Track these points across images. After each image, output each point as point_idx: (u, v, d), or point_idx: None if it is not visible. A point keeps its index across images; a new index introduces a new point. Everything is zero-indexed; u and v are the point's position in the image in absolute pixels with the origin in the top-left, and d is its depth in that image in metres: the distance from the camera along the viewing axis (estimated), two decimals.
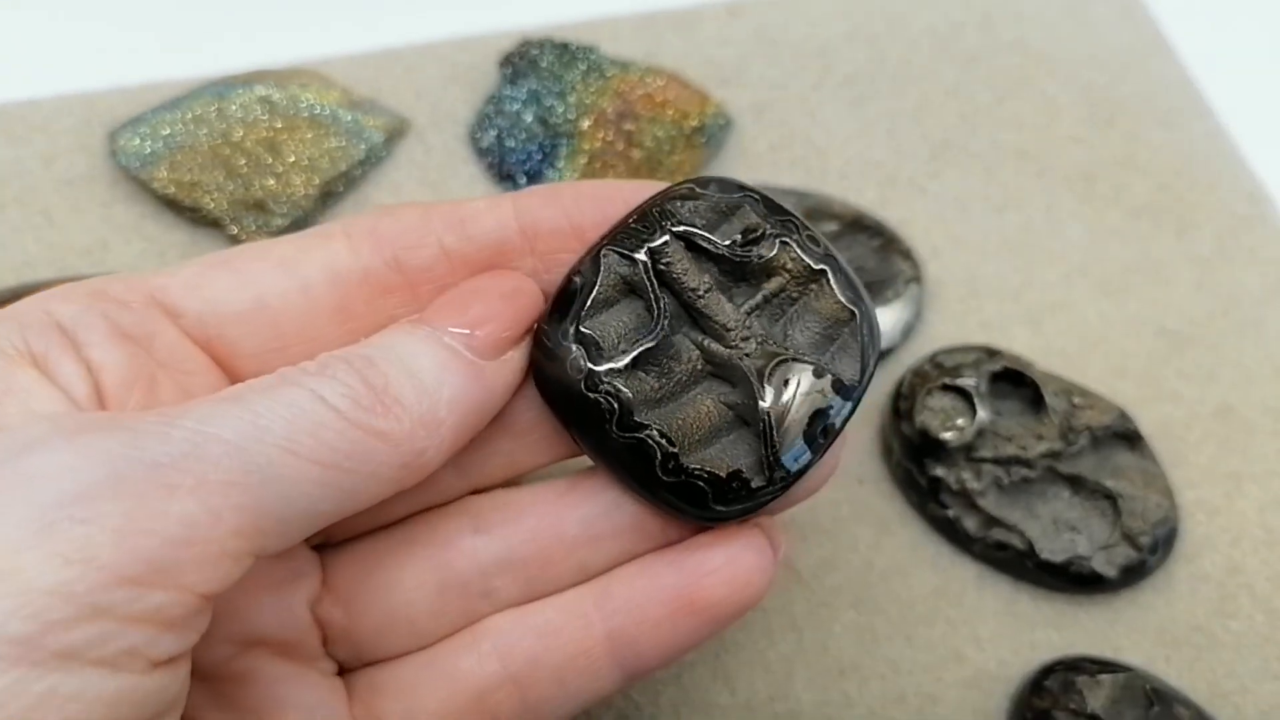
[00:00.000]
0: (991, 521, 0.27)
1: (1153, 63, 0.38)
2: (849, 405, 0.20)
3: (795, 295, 0.21)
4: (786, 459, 0.20)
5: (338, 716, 0.20)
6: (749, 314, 0.21)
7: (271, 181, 0.32)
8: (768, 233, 0.21)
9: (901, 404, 0.29)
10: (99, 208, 0.33)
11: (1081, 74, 0.37)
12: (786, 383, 0.20)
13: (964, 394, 0.28)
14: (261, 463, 0.16)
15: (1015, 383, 0.29)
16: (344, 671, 0.21)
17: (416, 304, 0.20)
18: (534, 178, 0.33)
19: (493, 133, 0.34)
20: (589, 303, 0.20)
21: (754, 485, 0.20)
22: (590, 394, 0.20)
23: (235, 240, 0.32)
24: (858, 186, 0.35)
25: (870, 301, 0.21)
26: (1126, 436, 0.29)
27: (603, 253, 0.20)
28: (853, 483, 0.29)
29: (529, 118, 0.34)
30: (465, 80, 0.36)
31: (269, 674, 0.20)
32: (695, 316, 0.21)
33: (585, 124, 0.34)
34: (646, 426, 0.20)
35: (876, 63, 0.37)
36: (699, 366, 0.21)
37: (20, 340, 0.17)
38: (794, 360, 0.20)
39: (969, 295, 0.33)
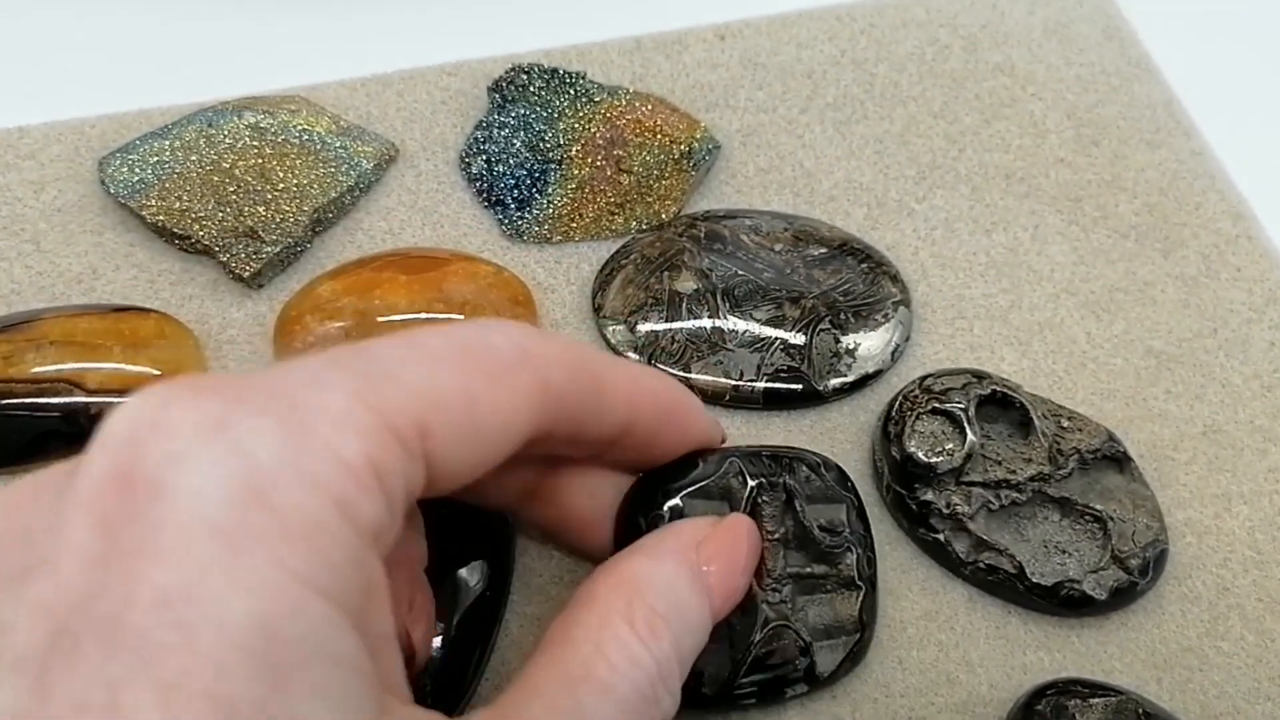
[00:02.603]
0: (982, 545, 0.28)
1: (1137, 84, 0.38)
2: (807, 687, 0.25)
3: (830, 589, 0.26)
4: (743, 684, 0.25)
5: None
6: (790, 576, 0.25)
7: (262, 209, 0.32)
8: (847, 537, 0.26)
9: (891, 428, 0.29)
10: (89, 235, 0.33)
11: (1067, 95, 0.38)
12: (777, 640, 0.25)
13: (953, 418, 0.28)
14: None
15: (1004, 405, 0.29)
16: None
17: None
18: (523, 204, 0.33)
19: (482, 159, 0.34)
20: (693, 482, 0.25)
21: (704, 691, 0.25)
22: (647, 533, 0.24)
23: (226, 267, 0.32)
24: (846, 209, 0.35)
25: (874, 623, 0.26)
26: (1115, 459, 0.29)
27: (731, 459, 0.25)
28: (859, 495, 0.29)
29: (518, 144, 0.34)
30: (455, 106, 0.36)
31: None
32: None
33: (574, 150, 0.34)
34: None
35: (864, 86, 0.38)
36: None
37: (373, 519, 0.17)
38: (795, 636, 0.25)
39: (957, 317, 0.33)
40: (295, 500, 0.15)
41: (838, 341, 0.31)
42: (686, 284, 0.31)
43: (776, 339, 0.31)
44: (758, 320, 0.31)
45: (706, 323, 0.31)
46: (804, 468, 0.27)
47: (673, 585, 0.21)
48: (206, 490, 0.15)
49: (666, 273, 0.32)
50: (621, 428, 0.22)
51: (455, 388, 0.18)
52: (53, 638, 0.15)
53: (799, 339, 0.31)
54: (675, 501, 0.25)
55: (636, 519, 0.26)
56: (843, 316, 0.31)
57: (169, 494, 0.15)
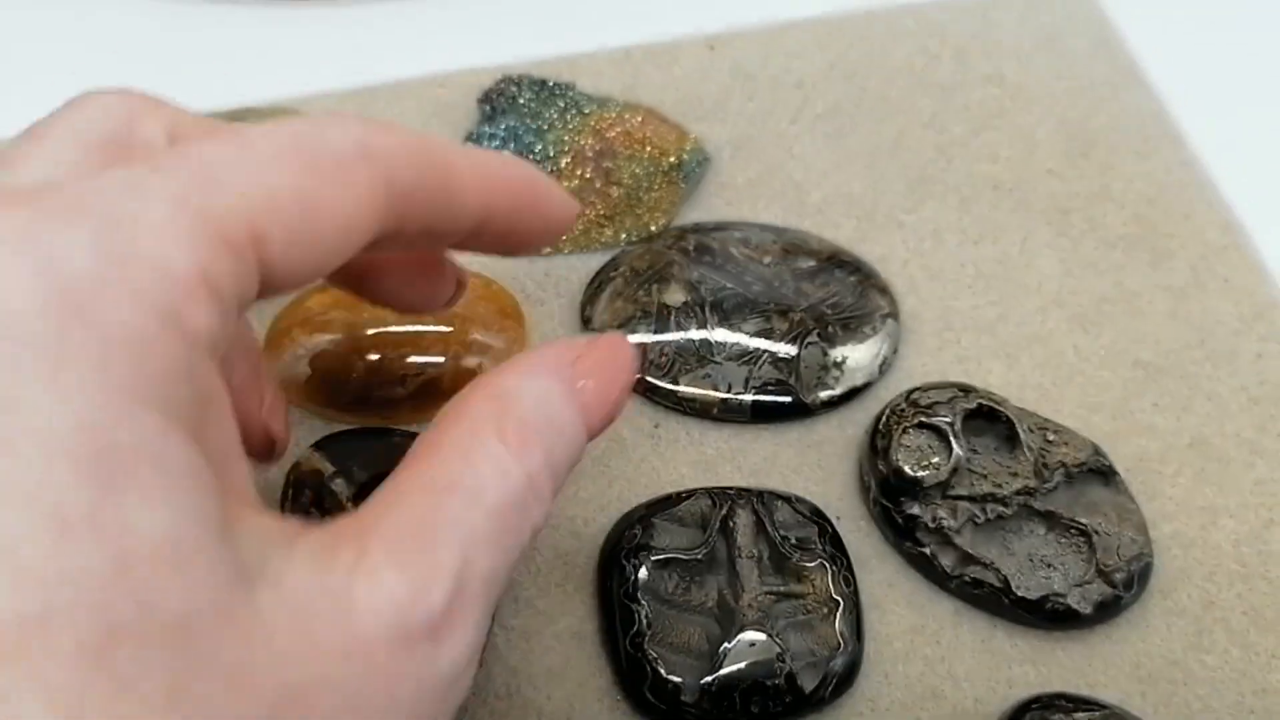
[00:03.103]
0: (967, 559, 0.28)
1: (1127, 94, 0.38)
2: (793, 704, 0.26)
3: (810, 608, 0.27)
4: (724, 700, 0.26)
5: None
6: (766, 593, 0.26)
7: None
8: (819, 553, 0.27)
9: (878, 441, 0.29)
10: None
11: (1056, 106, 0.38)
12: (757, 656, 0.26)
13: (939, 432, 0.29)
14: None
15: (990, 419, 0.29)
16: None
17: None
18: None
19: None
20: (671, 509, 0.28)
21: (684, 699, 0.25)
22: (624, 558, 0.27)
23: None
24: (835, 220, 0.35)
25: (857, 644, 0.27)
26: (1101, 472, 0.29)
27: (700, 492, 0.28)
28: (830, 520, 0.29)
29: (508, 155, 0.34)
30: (444, 117, 0.36)
31: None
32: (730, 568, 0.27)
33: (564, 161, 0.34)
34: (642, 606, 0.26)
35: (854, 96, 0.38)
36: (710, 603, 0.26)
37: (206, 330, 0.16)
38: (776, 653, 0.26)
39: (944, 329, 0.33)
40: (116, 314, 0.14)
41: (825, 354, 0.31)
42: (675, 296, 0.32)
43: (765, 352, 0.31)
44: (746, 333, 0.31)
45: (695, 335, 0.31)
46: (776, 499, 0.28)
47: (546, 398, 0.20)
48: (17, 306, 0.14)
49: (655, 285, 0.32)
50: (477, 221, 0.21)
51: (289, 188, 0.17)
52: None
53: (787, 352, 0.31)
54: (654, 519, 0.27)
55: (618, 558, 0.27)
56: (831, 329, 0.31)
57: None
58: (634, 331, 0.31)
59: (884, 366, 0.31)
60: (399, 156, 0.19)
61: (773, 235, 0.33)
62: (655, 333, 0.31)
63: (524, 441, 0.19)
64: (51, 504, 0.13)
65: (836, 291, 0.32)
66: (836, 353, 0.31)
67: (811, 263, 0.33)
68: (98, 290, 0.14)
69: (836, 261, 0.33)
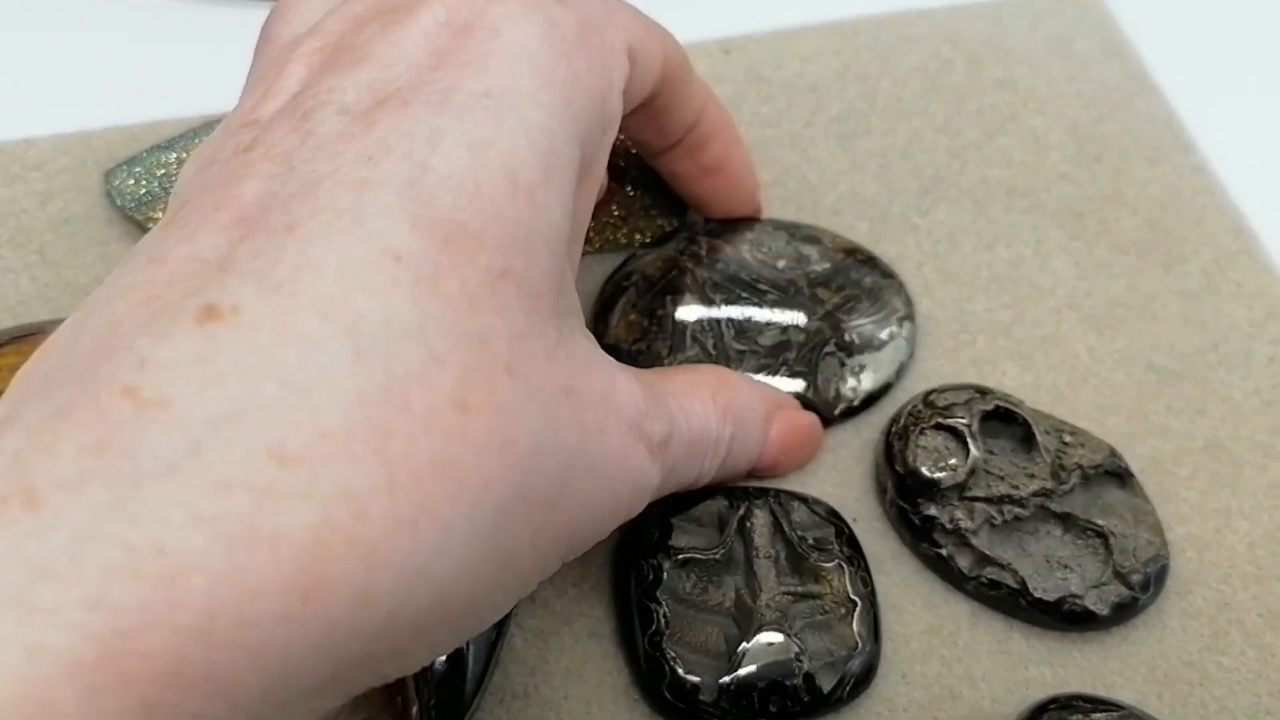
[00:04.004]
0: (984, 560, 0.28)
1: (1138, 99, 0.38)
2: (811, 704, 0.26)
3: (827, 608, 0.27)
4: (743, 700, 0.26)
5: None
6: (783, 593, 0.27)
7: None
8: (836, 553, 0.27)
9: (895, 443, 0.29)
10: (95, 247, 0.33)
11: (1069, 111, 0.38)
12: (775, 656, 0.26)
13: (956, 433, 0.29)
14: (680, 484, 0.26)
15: (1006, 421, 0.29)
16: None
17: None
18: None
19: None
20: (689, 510, 0.28)
21: (702, 698, 0.25)
22: (642, 558, 0.27)
23: None
24: (850, 223, 0.35)
25: (874, 644, 0.27)
26: (1117, 474, 0.29)
27: (717, 494, 0.28)
28: (847, 521, 0.29)
29: None
30: None
31: None
32: (747, 569, 0.27)
33: None
34: (661, 605, 0.26)
35: (867, 100, 0.38)
36: (728, 603, 0.26)
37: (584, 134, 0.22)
38: (796, 651, 0.26)
39: (960, 331, 0.33)
40: (586, 65, 0.21)
41: (843, 365, 0.31)
42: (689, 311, 0.31)
43: (782, 364, 0.31)
44: (763, 346, 0.31)
45: (710, 348, 0.31)
46: (793, 500, 0.28)
47: (750, 402, 0.27)
48: (530, 41, 0.20)
49: (669, 296, 0.31)
50: (689, 129, 0.29)
51: (639, 36, 0.24)
52: (380, 99, 0.18)
53: (804, 365, 0.31)
54: (672, 519, 0.28)
55: (634, 555, 0.27)
56: (848, 338, 0.31)
57: (502, 37, 0.20)
58: (650, 345, 0.31)
59: (900, 369, 0.31)
60: (667, 42, 0.26)
61: (785, 236, 0.33)
62: (671, 352, 0.31)
63: (726, 412, 0.26)
64: (513, 168, 0.18)
65: (852, 296, 0.32)
66: (854, 362, 0.31)
67: (826, 265, 0.32)
68: (578, 48, 0.21)
69: (852, 260, 0.33)
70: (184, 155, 0.33)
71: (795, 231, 0.33)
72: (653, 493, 0.23)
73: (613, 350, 0.31)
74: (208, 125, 0.34)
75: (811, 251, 0.33)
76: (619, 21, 0.23)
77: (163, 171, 0.33)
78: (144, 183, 0.33)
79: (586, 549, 0.21)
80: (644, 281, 0.32)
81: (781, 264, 0.32)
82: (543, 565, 0.20)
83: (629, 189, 0.34)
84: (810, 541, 0.27)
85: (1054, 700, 0.27)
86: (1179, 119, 0.38)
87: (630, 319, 0.31)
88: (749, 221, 0.34)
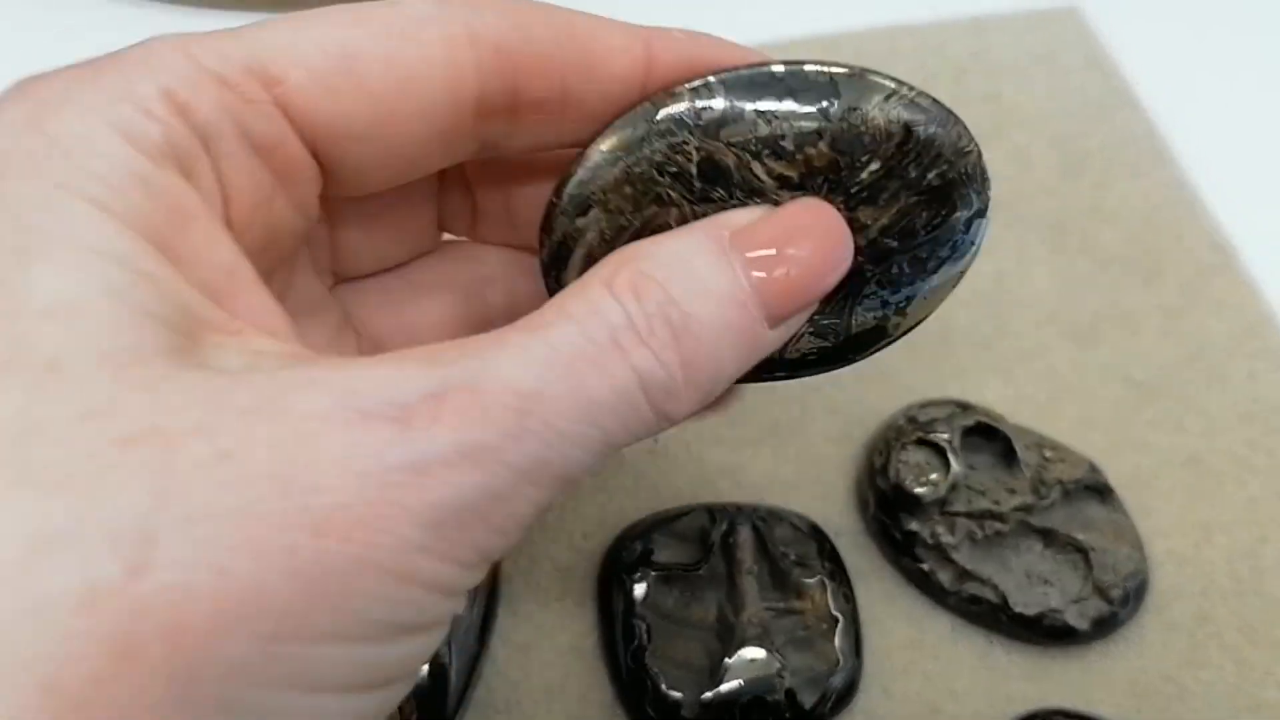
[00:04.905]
0: (965, 575, 0.28)
1: (1120, 114, 0.39)
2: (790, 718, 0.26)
3: (809, 623, 0.26)
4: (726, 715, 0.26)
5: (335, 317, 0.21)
6: (765, 609, 0.26)
7: None
8: (818, 569, 0.27)
9: (877, 458, 0.29)
10: None
11: (1052, 125, 0.38)
12: (758, 672, 0.26)
13: (938, 449, 0.29)
14: (585, 461, 0.15)
15: (988, 436, 0.29)
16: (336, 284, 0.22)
17: (518, 130, 0.19)
18: None
19: None
20: (671, 525, 0.28)
21: (684, 714, 0.25)
22: (624, 573, 0.27)
23: None
24: None
25: (856, 660, 0.27)
26: (1097, 489, 0.29)
27: (698, 509, 0.28)
28: (829, 537, 0.29)
29: None
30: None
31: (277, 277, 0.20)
32: (730, 584, 0.27)
33: None
34: (643, 621, 0.26)
35: None
36: (710, 619, 0.26)
37: (163, 139, 0.16)
38: (778, 667, 0.26)
39: (941, 344, 0.33)
40: (67, 122, 0.15)
41: None
42: None
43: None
44: None
45: None
46: (775, 516, 0.28)
47: (680, 254, 0.17)
48: None
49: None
50: (637, 80, 0.18)
51: (323, 37, 0.17)
52: None
53: None
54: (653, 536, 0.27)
55: (617, 569, 0.27)
56: None
57: None
58: None
59: (884, 382, 0.31)
60: (494, 7, 0.17)
61: None
62: None
63: (635, 289, 0.16)
64: None
65: None
66: None
67: None
68: (59, 109, 0.15)
69: None
70: None
71: None
72: (465, 455, 0.14)
73: None
74: None
75: None
76: (211, 44, 0.17)
77: None
78: None
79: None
80: (610, 223, 0.21)
81: None
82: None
83: None
84: (792, 557, 0.27)
85: (1034, 715, 0.27)
86: (1160, 134, 0.38)
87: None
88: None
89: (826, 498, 0.30)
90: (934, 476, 0.28)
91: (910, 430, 0.29)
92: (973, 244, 0.20)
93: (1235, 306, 0.35)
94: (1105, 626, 0.28)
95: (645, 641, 0.26)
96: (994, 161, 0.37)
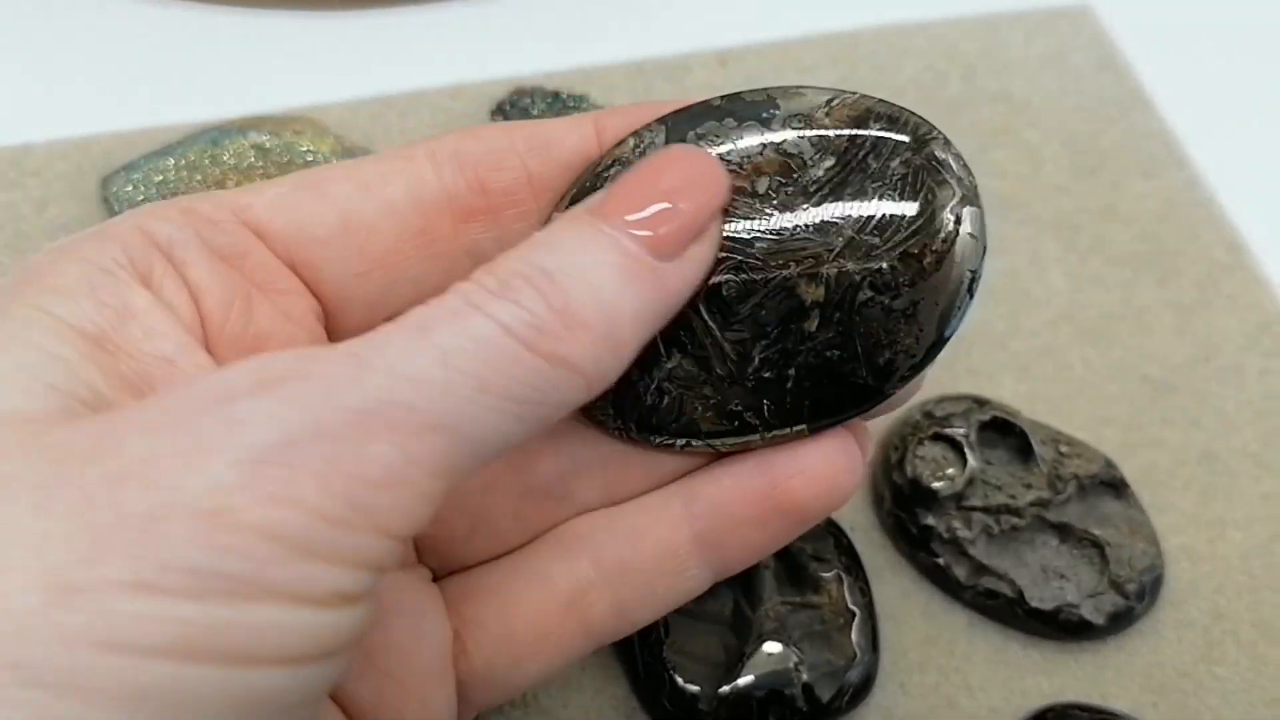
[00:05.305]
0: (981, 570, 0.28)
1: (1133, 114, 0.39)
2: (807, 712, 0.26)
3: (825, 618, 0.26)
4: (741, 710, 0.25)
5: (440, 621, 0.21)
6: (782, 603, 0.26)
7: None
8: (834, 564, 0.27)
9: (892, 453, 0.29)
10: None
11: (1064, 124, 0.38)
12: (774, 667, 0.25)
13: (954, 443, 0.29)
14: (454, 405, 0.16)
15: (1004, 432, 0.29)
16: (436, 579, 0.22)
17: (499, 229, 0.20)
18: None
19: None
20: None
21: (701, 708, 0.25)
22: None
23: None
24: None
25: (872, 654, 0.27)
26: (1112, 485, 0.29)
27: None
28: (845, 531, 0.29)
29: None
30: (458, 128, 0.36)
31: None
32: (746, 579, 0.26)
33: None
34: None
35: None
36: (727, 613, 0.26)
37: (125, 259, 0.18)
38: (795, 661, 0.26)
39: (956, 341, 0.33)
40: (49, 263, 0.18)
41: None
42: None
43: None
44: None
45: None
46: None
47: (541, 236, 0.18)
48: None
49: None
50: (592, 151, 0.21)
51: (291, 179, 0.20)
52: None
53: None
54: None
55: None
56: None
57: None
58: None
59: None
60: (449, 137, 0.21)
61: None
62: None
63: (490, 269, 0.17)
64: None
65: None
66: None
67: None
68: (53, 250, 0.18)
69: None
70: (181, 162, 0.33)
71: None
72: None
73: None
74: (205, 131, 0.34)
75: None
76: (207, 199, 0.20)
77: (160, 178, 0.33)
78: (142, 189, 0.33)
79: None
80: None
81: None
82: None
83: None
84: (809, 552, 0.27)
85: (1050, 709, 0.27)
86: (1173, 133, 0.38)
87: None
88: None
89: None
90: (950, 471, 0.29)
91: (927, 425, 0.29)
92: (973, 238, 0.21)
93: (1249, 304, 0.35)
94: (1121, 621, 0.28)
95: (662, 636, 0.26)
96: (1006, 160, 0.37)
